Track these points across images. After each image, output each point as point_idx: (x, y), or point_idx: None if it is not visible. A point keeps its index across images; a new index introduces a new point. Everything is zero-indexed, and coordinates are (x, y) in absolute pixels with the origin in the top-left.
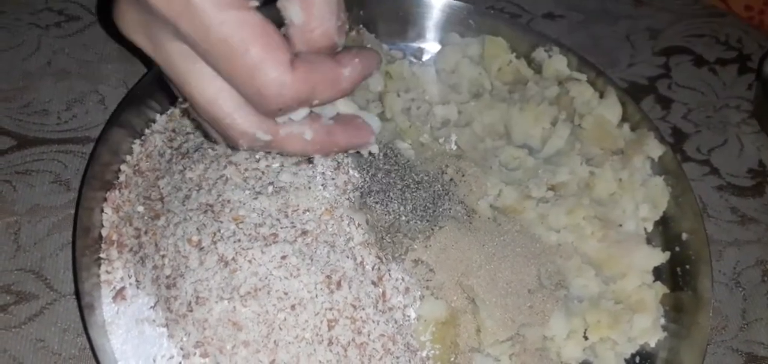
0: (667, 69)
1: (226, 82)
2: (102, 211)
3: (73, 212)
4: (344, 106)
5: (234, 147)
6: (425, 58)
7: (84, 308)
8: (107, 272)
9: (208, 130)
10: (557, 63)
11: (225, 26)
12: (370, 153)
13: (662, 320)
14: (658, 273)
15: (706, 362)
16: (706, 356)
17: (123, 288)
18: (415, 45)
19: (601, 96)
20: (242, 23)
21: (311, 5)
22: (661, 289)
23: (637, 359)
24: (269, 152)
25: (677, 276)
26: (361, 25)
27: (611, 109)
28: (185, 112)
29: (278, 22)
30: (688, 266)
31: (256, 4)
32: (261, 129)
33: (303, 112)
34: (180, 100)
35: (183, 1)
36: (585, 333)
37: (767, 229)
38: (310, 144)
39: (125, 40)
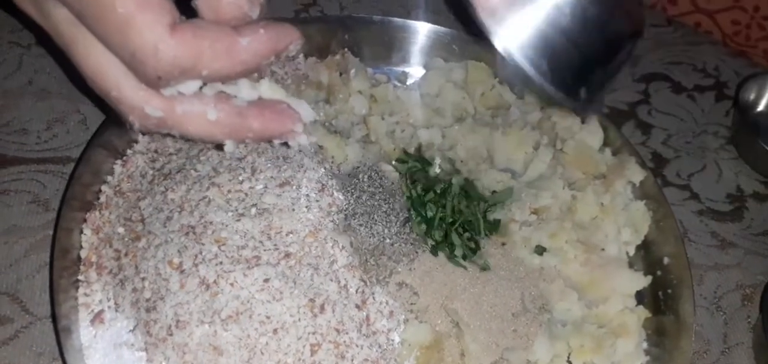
0: (646, 95)
1: (103, 45)
2: (81, 232)
3: (51, 232)
4: (268, 90)
5: (129, 128)
6: (409, 82)
7: (60, 331)
8: (85, 294)
9: (111, 109)
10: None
11: None
12: (358, 175)
13: (645, 344)
14: (640, 297)
15: None
16: None
17: (101, 311)
18: (400, 69)
19: (583, 121)
20: None
21: None
22: (643, 313)
23: None
24: (238, 169)
25: (659, 300)
26: (346, 49)
27: (593, 134)
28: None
29: None
30: (669, 290)
31: None
32: (149, 104)
33: (193, 85)
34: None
35: None
36: (569, 357)
37: (746, 253)
38: (215, 126)
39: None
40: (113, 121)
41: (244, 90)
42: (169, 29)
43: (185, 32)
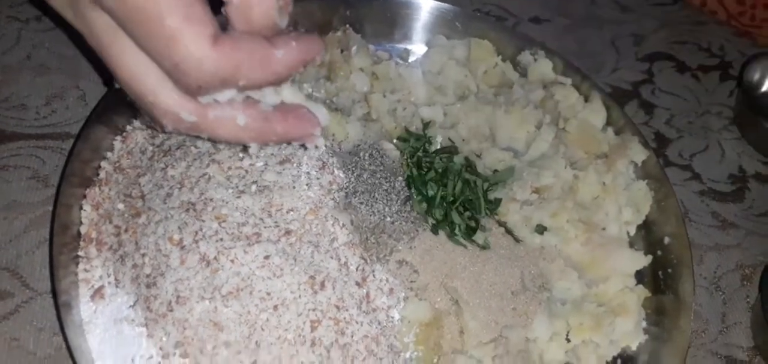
0: (650, 74)
1: (145, 54)
2: (81, 208)
3: (50, 208)
4: (290, 94)
5: (161, 129)
6: (411, 59)
7: (61, 306)
8: (85, 270)
9: (141, 110)
10: (543, 67)
11: None
12: (359, 153)
13: (644, 323)
14: (640, 276)
15: None
16: (687, 358)
17: (101, 287)
18: (402, 46)
19: (586, 100)
20: None
21: None
22: (643, 292)
23: (619, 362)
24: (237, 145)
25: (659, 280)
26: (347, 26)
27: (596, 113)
28: (117, 92)
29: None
30: (670, 270)
31: None
32: (185, 109)
33: (229, 93)
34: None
35: None
36: (567, 335)
37: (747, 234)
38: (243, 131)
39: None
40: (145, 122)
41: (268, 95)
42: (211, 41)
43: (225, 45)
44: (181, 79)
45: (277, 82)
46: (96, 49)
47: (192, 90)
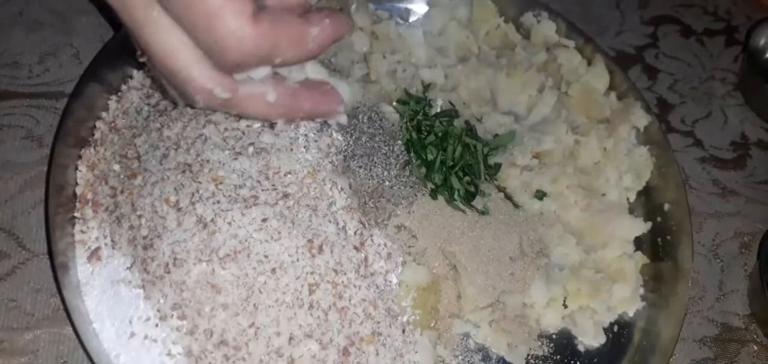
0: (654, 38)
1: (184, 31)
2: (76, 169)
3: (45, 169)
4: (314, 71)
5: (190, 105)
6: (412, 19)
7: (58, 268)
8: (82, 231)
9: (166, 86)
10: (546, 28)
11: None
12: (358, 116)
13: (641, 290)
14: (638, 243)
15: (682, 332)
16: (683, 325)
17: (98, 248)
18: (402, 6)
19: (589, 64)
20: None
21: None
22: (641, 259)
23: (616, 328)
24: (231, 113)
25: (658, 246)
26: None
27: (599, 77)
28: (141, 66)
29: None
30: (669, 237)
31: None
32: (220, 85)
33: (264, 71)
34: (139, 52)
35: None
36: (565, 301)
37: (747, 201)
38: (273, 107)
39: None
40: (171, 99)
41: (294, 71)
42: (252, 20)
43: (265, 23)
44: (221, 57)
45: (309, 59)
46: (128, 23)
47: (229, 67)
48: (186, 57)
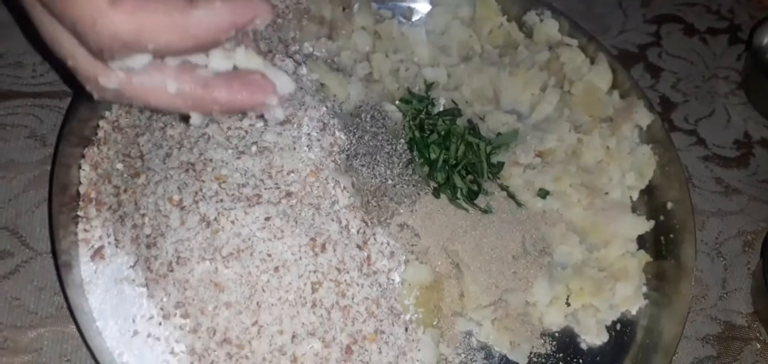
0: (657, 37)
1: (48, 13)
2: (80, 168)
3: (49, 168)
4: (244, 60)
5: (89, 97)
6: (415, 18)
7: (61, 266)
8: (85, 230)
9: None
10: (548, 27)
11: None
12: (361, 115)
13: (644, 288)
14: (641, 241)
15: (685, 330)
16: (686, 324)
17: (101, 247)
18: (405, 5)
19: (592, 62)
20: None
21: None
22: (644, 257)
23: (618, 326)
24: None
25: (661, 245)
26: None
27: (601, 76)
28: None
29: None
30: (672, 235)
31: None
32: (101, 75)
33: (142, 59)
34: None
35: None
36: (567, 300)
37: (750, 200)
38: (178, 98)
39: None
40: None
41: (216, 60)
42: (108, 1)
43: (125, 4)
44: (83, 42)
45: (200, 48)
46: (26, 9)
47: (95, 53)
48: (68, 44)
